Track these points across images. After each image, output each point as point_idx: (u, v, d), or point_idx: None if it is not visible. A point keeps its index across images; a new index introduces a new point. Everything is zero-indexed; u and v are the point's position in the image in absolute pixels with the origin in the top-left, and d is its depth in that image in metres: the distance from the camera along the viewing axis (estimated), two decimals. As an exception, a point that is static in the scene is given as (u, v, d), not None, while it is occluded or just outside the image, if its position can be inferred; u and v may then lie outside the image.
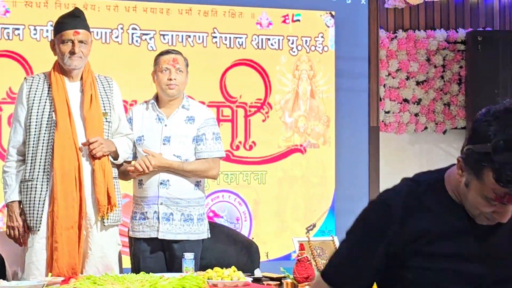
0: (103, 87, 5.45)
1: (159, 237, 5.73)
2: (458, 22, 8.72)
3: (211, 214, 7.50)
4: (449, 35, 8.64)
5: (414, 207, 2.54)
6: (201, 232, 5.92)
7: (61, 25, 5.39)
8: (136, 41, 7.67)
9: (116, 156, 5.44)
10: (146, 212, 5.75)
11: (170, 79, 5.68)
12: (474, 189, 2.45)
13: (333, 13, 8.29)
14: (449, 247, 2.53)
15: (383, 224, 2.65)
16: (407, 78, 8.53)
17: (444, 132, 8.63)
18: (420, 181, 2.69)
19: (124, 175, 5.73)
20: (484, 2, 8.76)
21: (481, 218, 2.56)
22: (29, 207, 5.33)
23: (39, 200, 5.30)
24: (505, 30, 8.76)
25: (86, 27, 5.45)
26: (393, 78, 8.51)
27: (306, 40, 8.23)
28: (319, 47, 8.26)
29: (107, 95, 5.44)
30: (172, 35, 7.79)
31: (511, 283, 2.59)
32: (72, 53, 5.24)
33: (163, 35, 7.76)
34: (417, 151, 8.42)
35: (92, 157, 5.34)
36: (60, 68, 5.36)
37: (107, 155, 5.44)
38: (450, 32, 8.65)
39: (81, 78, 5.35)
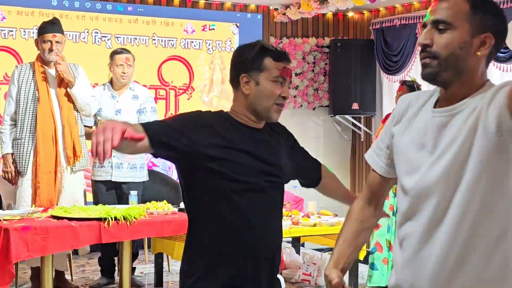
0: (72, 71, 5.50)
1: (112, 180, 5.87)
2: (324, 32, 8.81)
3: (150, 164, 7.47)
4: (318, 41, 8.72)
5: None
6: (142, 176, 6.06)
7: (43, 29, 5.52)
8: (98, 41, 7.74)
9: (71, 85, 5.43)
10: (103, 164, 5.81)
11: (124, 72, 5.86)
12: (264, 80, 2.57)
13: (238, 24, 8.42)
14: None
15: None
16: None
17: (314, 109, 8.73)
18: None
19: (87, 136, 5.74)
20: (343, 19, 8.86)
21: (273, 110, 2.65)
22: (19, 157, 5.47)
23: (26, 153, 5.45)
24: (356, 38, 8.83)
25: (61, 31, 5.59)
26: None
27: (219, 43, 8.36)
28: (228, 48, 8.39)
29: (74, 75, 5.49)
30: (123, 38, 7.84)
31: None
32: (51, 50, 5.42)
33: (117, 37, 7.82)
34: (295, 122, 8.23)
35: (61, 118, 5.51)
36: (41, 59, 5.52)
37: (75, 119, 5.57)
38: (319, 39, 8.73)
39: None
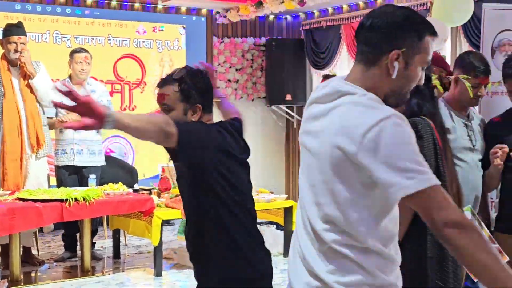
0: (34, 66, 5.36)
1: (74, 164, 5.74)
2: (261, 33, 8.76)
3: (108, 150, 7.38)
4: (255, 41, 8.68)
5: None
6: (101, 161, 5.95)
7: (9, 31, 5.37)
8: (58, 41, 7.54)
9: (32, 76, 5.29)
10: (65, 149, 5.73)
11: (82, 69, 5.74)
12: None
13: (184, 26, 8.30)
14: None
15: None
16: (230, 67, 8.54)
17: (253, 100, 8.67)
18: None
19: (50, 126, 5.65)
20: (277, 21, 8.83)
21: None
22: None
23: None
24: (288, 38, 8.83)
25: (25, 34, 5.45)
26: (222, 66, 8.48)
27: (167, 43, 8.23)
28: (176, 47, 8.28)
29: (36, 71, 5.34)
30: (82, 38, 7.65)
31: None
32: (16, 51, 5.27)
33: (76, 38, 7.63)
34: None
35: (25, 110, 5.35)
36: (6, 58, 5.34)
37: (37, 111, 5.42)
38: (256, 39, 8.69)
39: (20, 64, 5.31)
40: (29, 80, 5.32)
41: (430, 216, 1.67)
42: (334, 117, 1.76)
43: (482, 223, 3.20)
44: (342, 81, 1.85)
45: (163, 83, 2.57)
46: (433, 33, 1.82)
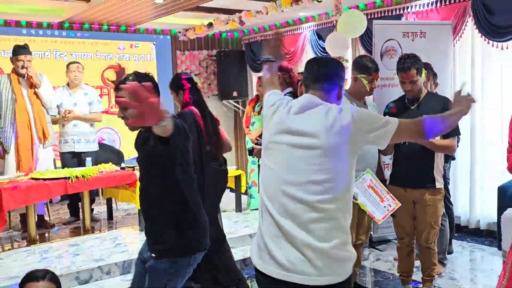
0: (38, 79, 5.25)
1: (75, 151, 5.69)
2: (212, 46, 8.70)
3: (100, 139, 7.23)
4: (208, 52, 8.64)
5: None
6: (95, 147, 5.89)
7: (16, 52, 5.26)
8: (57, 57, 7.39)
9: (38, 86, 5.20)
10: (67, 139, 5.68)
11: (75, 76, 5.69)
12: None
13: (155, 43, 8.22)
14: None
15: None
16: (190, 73, 8.27)
17: (208, 97, 8.53)
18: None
19: (54, 122, 5.57)
20: (224, 36, 8.79)
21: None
22: (4, 140, 5.21)
23: (9, 137, 5.20)
24: (233, 50, 8.76)
25: (30, 53, 5.35)
26: None
27: (142, 56, 8.14)
28: (149, 59, 8.19)
29: (40, 81, 5.25)
30: (76, 54, 7.51)
31: None
32: (23, 67, 5.18)
33: (71, 54, 7.48)
34: None
35: (33, 112, 5.27)
36: (16, 72, 5.24)
37: (43, 111, 5.34)
38: (209, 51, 8.65)
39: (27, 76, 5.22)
40: (36, 89, 5.25)
41: None
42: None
43: (378, 180, 3.31)
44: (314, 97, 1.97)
45: (119, 88, 2.37)
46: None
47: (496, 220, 4.60)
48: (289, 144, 1.88)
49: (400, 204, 3.29)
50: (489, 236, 5.30)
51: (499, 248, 4.44)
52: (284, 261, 1.78)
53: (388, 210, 3.26)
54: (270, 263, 1.82)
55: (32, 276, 2.10)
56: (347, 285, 1.83)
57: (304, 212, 1.79)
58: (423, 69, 3.51)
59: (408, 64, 3.35)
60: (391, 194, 3.30)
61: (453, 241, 4.97)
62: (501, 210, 4.40)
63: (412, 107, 3.42)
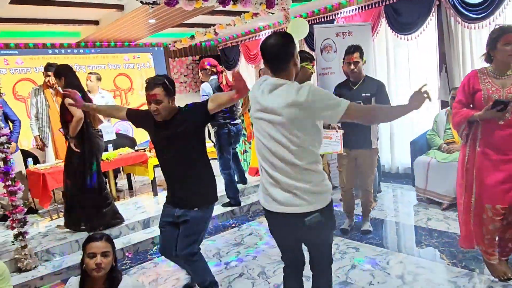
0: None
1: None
2: (196, 53, 8.46)
3: (117, 129, 6.97)
4: (193, 58, 8.40)
5: None
6: (113, 136, 5.57)
7: (46, 68, 5.02)
8: (78, 70, 6.98)
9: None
10: (101, 130, 5.49)
11: (87, 84, 5.45)
12: None
13: (152, 53, 7.99)
14: None
15: None
16: (180, 74, 8.28)
17: (195, 92, 8.35)
18: None
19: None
20: (204, 45, 8.56)
21: None
22: (43, 137, 5.10)
23: (46, 134, 5.09)
24: (212, 55, 8.49)
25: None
26: (176, 75, 8.21)
27: (143, 64, 7.90)
28: (148, 66, 7.95)
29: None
30: (92, 66, 7.27)
31: None
32: (49, 81, 4.99)
33: (88, 66, 7.23)
34: (187, 100, 7.88)
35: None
36: (46, 84, 5.06)
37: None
38: (193, 57, 8.40)
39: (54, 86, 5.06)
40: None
41: None
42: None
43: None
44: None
45: (152, 87, 2.36)
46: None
47: (410, 166, 4.68)
48: (265, 120, 1.87)
49: (342, 131, 3.22)
50: (406, 177, 5.40)
51: (413, 185, 4.52)
52: (280, 199, 1.84)
53: (339, 140, 3.14)
54: (271, 202, 1.88)
55: (92, 238, 2.09)
56: (327, 209, 1.87)
57: (287, 167, 1.83)
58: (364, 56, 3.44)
59: (353, 49, 3.30)
60: (331, 129, 3.20)
61: (381, 183, 5.06)
62: (413, 158, 4.48)
63: (354, 88, 3.36)
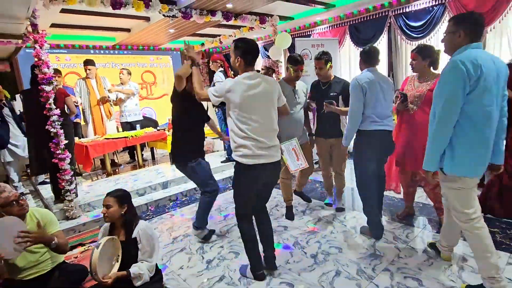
0: (102, 79, 4.93)
1: (128, 121, 5.22)
2: (205, 56, 8.06)
3: (144, 113, 6.56)
4: (203, 60, 7.96)
5: None
6: (140, 118, 5.38)
7: (86, 63, 4.82)
8: (113, 66, 6.80)
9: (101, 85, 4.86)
10: (125, 115, 5.20)
11: (123, 74, 5.10)
12: None
13: (171, 56, 7.59)
14: None
15: None
16: None
17: (205, 87, 8.13)
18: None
19: (115, 104, 5.08)
20: (214, 50, 8.29)
21: None
22: (85, 117, 4.88)
23: (88, 114, 4.87)
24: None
25: (94, 65, 4.90)
26: None
27: (164, 64, 7.57)
28: (168, 66, 7.60)
29: (104, 81, 4.92)
30: (124, 64, 6.93)
31: None
32: (88, 74, 4.77)
33: (122, 64, 6.90)
34: None
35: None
36: (87, 76, 4.82)
37: (106, 99, 4.90)
38: (203, 60, 7.99)
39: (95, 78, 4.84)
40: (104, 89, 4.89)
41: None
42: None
43: (300, 147, 2.81)
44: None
45: (318, 57, 2.78)
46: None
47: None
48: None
49: (308, 165, 2.84)
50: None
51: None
52: (267, 153, 2.13)
53: (300, 166, 2.84)
54: (261, 157, 2.14)
55: (108, 193, 2.06)
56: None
57: (269, 133, 2.16)
58: (330, 62, 3.17)
59: (319, 56, 3.11)
60: (305, 159, 2.90)
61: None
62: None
63: (324, 88, 3.18)
